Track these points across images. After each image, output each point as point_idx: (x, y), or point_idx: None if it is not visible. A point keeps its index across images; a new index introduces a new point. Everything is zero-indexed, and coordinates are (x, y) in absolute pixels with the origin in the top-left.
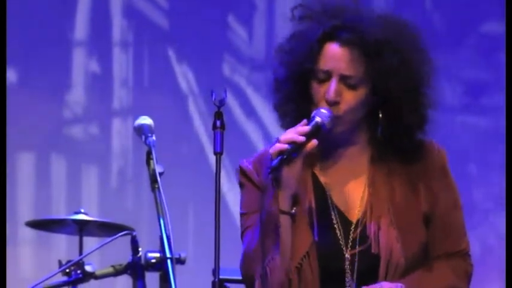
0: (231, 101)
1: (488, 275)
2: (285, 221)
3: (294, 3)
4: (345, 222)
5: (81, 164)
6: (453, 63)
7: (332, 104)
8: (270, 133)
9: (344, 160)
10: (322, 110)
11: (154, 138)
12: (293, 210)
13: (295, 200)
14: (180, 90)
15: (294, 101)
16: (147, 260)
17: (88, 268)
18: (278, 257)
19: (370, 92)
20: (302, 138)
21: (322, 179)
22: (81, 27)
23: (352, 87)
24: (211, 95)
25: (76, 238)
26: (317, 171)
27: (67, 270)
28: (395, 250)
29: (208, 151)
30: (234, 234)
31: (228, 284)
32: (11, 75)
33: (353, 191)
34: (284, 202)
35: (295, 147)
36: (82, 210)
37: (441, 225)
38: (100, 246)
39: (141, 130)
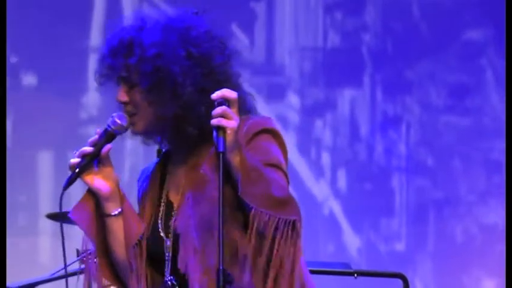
0: None
1: (470, 260)
2: (111, 221)
3: (291, 14)
4: (169, 214)
5: None
6: (438, 68)
7: (123, 104)
8: None
9: (178, 154)
10: (115, 117)
11: None
12: (117, 211)
13: (121, 199)
14: None
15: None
16: None
17: None
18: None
19: (144, 88)
20: (90, 149)
21: (166, 174)
22: (96, 35)
23: (131, 87)
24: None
25: None
26: (167, 167)
27: (84, 259)
28: (190, 235)
29: None
30: None
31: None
32: (31, 79)
33: (180, 185)
34: (105, 205)
35: (90, 158)
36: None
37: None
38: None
39: None
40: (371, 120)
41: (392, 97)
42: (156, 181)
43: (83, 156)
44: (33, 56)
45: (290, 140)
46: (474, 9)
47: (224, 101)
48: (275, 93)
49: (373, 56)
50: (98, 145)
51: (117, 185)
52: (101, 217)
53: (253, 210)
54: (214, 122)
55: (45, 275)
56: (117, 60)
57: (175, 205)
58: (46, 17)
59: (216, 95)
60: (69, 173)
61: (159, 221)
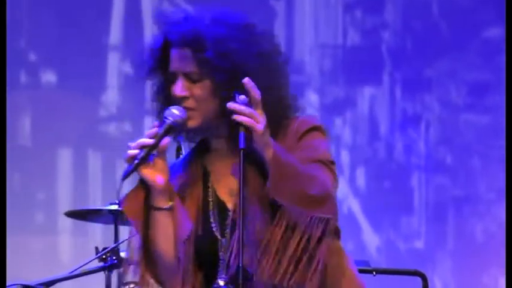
0: None
1: (491, 259)
2: (161, 216)
3: (312, 12)
4: (224, 211)
5: (116, 159)
6: (458, 66)
7: (181, 99)
8: None
9: (223, 153)
10: (173, 110)
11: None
12: (168, 205)
13: (172, 194)
14: None
15: (162, 106)
16: None
17: (123, 254)
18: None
19: (211, 84)
20: (151, 141)
21: (210, 172)
22: (115, 33)
23: (195, 81)
24: (235, 96)
25: (111, 227)
26: (207, 165)
27: (103, 257)
28: (260, 228)
29: None
30: None
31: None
32: (51, 78)
33: (231, 180)
34: (157, 199)
35: (148, 150)
36: (117, 201)
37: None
38: (134, 235)
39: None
40: (390, 118)
41: (411, 95)
42: (197, 179)
43: (142, 147)
44: (52, 54)
45: None
46: (493, 6)
47: (248, 100)
48: (295, 91)
49: (392, 54)
50: (158, 137)
51: (169, 178)
52: (149, 210)
53: (282, 207)
54: (239, 118)
55: (64, 272)
56: (182, 54)
57: (229, 205)
58: (65, 15)
59: (252, 92)
60: (123, 168)
61: (212, 220)
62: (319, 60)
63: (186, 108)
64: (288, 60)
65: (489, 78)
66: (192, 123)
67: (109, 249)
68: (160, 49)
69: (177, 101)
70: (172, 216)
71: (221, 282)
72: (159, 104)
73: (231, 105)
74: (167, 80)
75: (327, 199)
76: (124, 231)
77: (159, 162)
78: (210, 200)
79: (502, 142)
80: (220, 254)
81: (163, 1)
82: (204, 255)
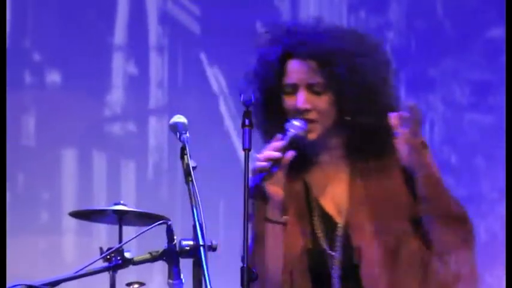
0: None
1: (494, 259)
2: (275, 229)
3: (316, 12)
4: (331, 225)
5: (120, 159)
6: (462, 66)
7: (303, 111)
8: None
9: (327, 167)
10: (295, 122)
11: (188, 135)
12: (283, 219)
13: (284, 208)
14: (212, 91)
15: (270, 118)
16: (182, 247)
17: (127, 255)
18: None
19: (334, 97)
20: (278, 154)
21: (310, 186)
22: (120, 33)
23: (318, 93)
24: (240, 96)
25: (116, 227)
26: (307, 179)
27: (108, 257)
28: (374, 244)
29: (238, 147)
30: None
31: (255, 269)
32: (55, 78)
33: (337, 195)
34: (273, 212)
35: (274, 163)
36: (121, 202)
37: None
38: (138, 235)
39: (175, 128)
40: None
41: (415, 95)
42: (299, 192)
43: (269, 160)
44: (56, 54)
45: None
46: (497, 6)
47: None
48: None
49: (396, 53)
50: (283, 151)
51: None
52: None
53: (427, 223)
54: (404, 136)
55: (69, 272)
56: (306, 65)
57: (337, 219)
58: (69, 15)
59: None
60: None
61: (320, 235)
62: None
63: (307, 121)
64: (395, 71)
65: (493, 78)
66: (311, 136)
67: (113, 249)
68: (277, 60)
69: (293, 113)
70: (284, 231)
71: None
72: (270, 116)
73: (398, 116)
74: (280, 92)
75: (466, 218)
76: (128, 231)
77: (279, 175)
78: (316, 214)
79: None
80: (332, 269)
81: (168, 1)
82: (316, 271)
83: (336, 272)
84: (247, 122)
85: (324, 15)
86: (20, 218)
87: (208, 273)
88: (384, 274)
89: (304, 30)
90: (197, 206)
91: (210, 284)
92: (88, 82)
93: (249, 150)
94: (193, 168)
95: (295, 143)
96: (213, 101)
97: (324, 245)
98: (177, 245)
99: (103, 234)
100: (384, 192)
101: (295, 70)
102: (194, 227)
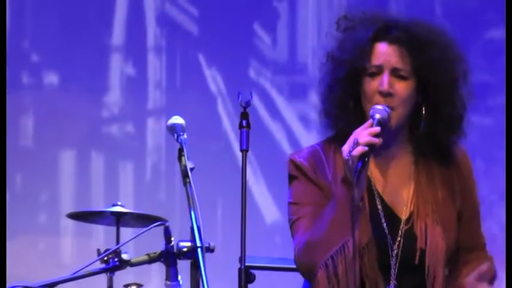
0: (256, 102)
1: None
2: (356, 215)
3: (314, 14)
4: (394, 219)
5: (118, 160)
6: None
7: (386, 94)
8: (292, 132)
9: (390, 159)
10: (378, 107)
11: (185, 136)
12: (361, 204)
13: (362, 198)
14: (210, 92)
15: (350, 99)
16: (179, 248)
17: (125, 256)
18: (350, 245)
19: (417, 85)
20: (377, 140)
21: (372, 178)
22: (118, 34)
23: (403, 78)
24: (238, 97)
25: (113, 229)
26: (368, 171)
27: (105, 258)
28: (440, 247)
29: (236, 148)
30: (258, 225)
31: (252, 271)
32: (53, 79)
33: (400, 189)
34: (357, 199)
35: (371, 149)
36: (119, 203)
37: (469, 223)
38: (136, 236)
39: (173, 129)
40: None
41: None
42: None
43: (369, 145)
44: (54, 55)
45: (312, 139)
46: (497, 7)
47: None
48: (297, 93)
49: None
50: (378, 136)
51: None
52: None
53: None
54: None
55: (66, 274)
56: (394, 50)
57: (399, 214)
58: (68, 16)
59: None
60: None
61: (384, 227)
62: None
63: (389, 107)
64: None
65: (492, 80)
66: (391, 124)
67: (111, 251)
68: (368, 42)
69: (373, 97)
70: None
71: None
72: (347, 99)
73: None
74: (364, 74)
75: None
76: (126, 233)
77: (368, 163)
78: (379, 207)
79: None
80: (392, 261)
81: (166, 2)
82: (377, 262)
83: (394, 266)
84: (244, 123)
85: (322, 16)
86: (18, 219)
87: (205, 275)
88: (443, 272)
89: (393, 17)
90: (195, 208)
91: (207, 286)
92: (86, 83)
93: (247, 151)
94: (191, 169)
95: (382, 130)
96: (211, 102)
97: (387, 238)
98: (175, 247)
99: (101, 236)
100: (445, 196)
101: (383, 52)
102: (192, 228)
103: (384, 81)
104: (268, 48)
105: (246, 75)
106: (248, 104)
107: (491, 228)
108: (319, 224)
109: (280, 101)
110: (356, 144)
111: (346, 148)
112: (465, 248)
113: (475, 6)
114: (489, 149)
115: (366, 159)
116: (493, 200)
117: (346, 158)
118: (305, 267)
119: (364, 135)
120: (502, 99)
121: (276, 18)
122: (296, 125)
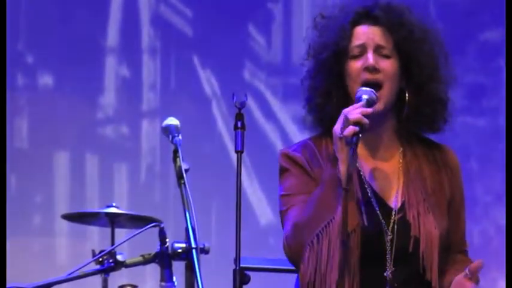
0: (251, 104)
1: (488, 263)
2: (343, 194)
3: (308, 15)
4: (385, 208)
5: (113, 162)
6: (455, 69)
7: (372, 69)
8: (287, 133)
9: (377, 147)
10: (364, 88)
11: (180, 137)
12: (347, 187)
13: (350, 179)
14: (204, 93)
15: (333, 85)
16: (174, 249)
17: (119, 257)
18: (336, 220)
19: (400, 64)
20: (367, 121)
21: (361, 166)
22: (112, 36)
23: (386, 56)
24: (233, 98)
25: (108, 230)
26: (357, 163)
27: (100, 259)
28: (434, 233)
29: (230, 149)
30: (253, 226)
31: (247, 272)
32: (48, 80)
33: (389, 180)
34: (343, 178)
35: (361, 129)
36: (114, 204)
37: (456, 217)
38: (130, 237)
39: (168, 130)
40: None
41: None
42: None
43: (359, 125)
44: (49, 57)
45: None
46: (491, 9)
47: None
48: (292, 94)
49: None
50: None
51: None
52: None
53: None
54: None
55: (61, 275)
56: (375, 30)
57: (389, 203)
58: (62, 18)
59: None
60: None
61: (378, 212)
62: None
63: (375, 83)
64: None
65: (486, 81)
66: (377, 107)
67: (106, 252)
68: (348, 25)
69: (358, 77)
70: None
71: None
72: (331, 84)
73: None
74: (347, 57)
75: None
76: (120, 234)
77: (357, 145)
78: (370, 196)
79: (500, 145)
80: (387, 249)
81: (160, 3)
82: (368, 249)
83: (389, 254)
84: (239, 124)
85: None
86: (13, 220)
87: (200, 276)
88: (438, 259)
89: (373, 1)
90: (189, 209)
91: (202, 287)
92: (81, 85)
93: (242, 152)
94: (186, 170)
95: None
96: (205, 103)
97: (380, 226)
98: (170, 248)
99: (95, 237)
100: (434, 185)
101: (365, 32)
102: (186, 229)
103: (369, 57)
104: (262, 49)
105: (241, 77)
106: (243, 105)
107: (487, 230)
108: (307, 205)
109: (274, 103)
110: (346, 121)
111: (337, 126)
112: (452, 248)
113: (470, 8)
114: (484, 150)
115: (358, 136)
116: (488, 202)
117: (339, 136)
118: (294, 251)
119: (354, 113)
120: (496, 101)
121: (270, 19)
122: (290, 127)
